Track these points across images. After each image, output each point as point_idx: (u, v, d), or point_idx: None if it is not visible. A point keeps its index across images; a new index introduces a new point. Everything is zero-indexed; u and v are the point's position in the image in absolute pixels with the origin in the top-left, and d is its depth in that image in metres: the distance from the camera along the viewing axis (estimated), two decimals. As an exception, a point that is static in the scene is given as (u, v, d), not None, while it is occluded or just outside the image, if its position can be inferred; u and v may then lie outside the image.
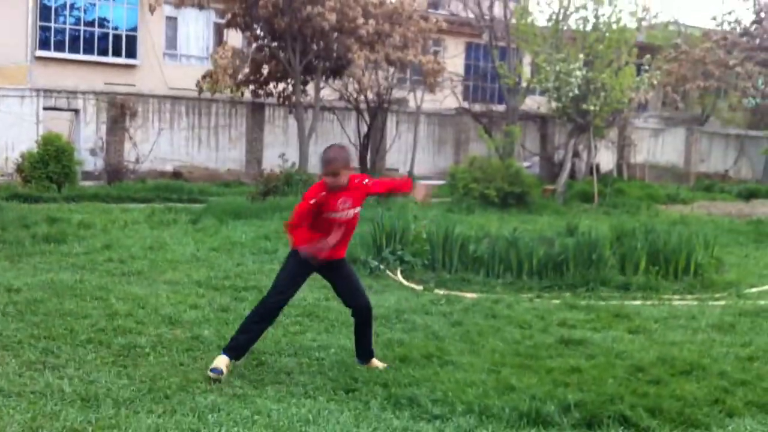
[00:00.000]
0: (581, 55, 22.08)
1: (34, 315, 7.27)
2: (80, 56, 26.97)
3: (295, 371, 6.13)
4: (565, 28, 23.64)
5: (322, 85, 24.19)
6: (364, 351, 6.27)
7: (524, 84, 25.88)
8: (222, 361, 5.75)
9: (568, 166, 24.09)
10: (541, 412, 5.25)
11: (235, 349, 5.89)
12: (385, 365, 6.21)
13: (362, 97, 25.68)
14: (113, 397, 5.22)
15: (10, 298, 7.83)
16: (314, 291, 8.85)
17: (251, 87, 24.24)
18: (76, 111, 23.15)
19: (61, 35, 27.00)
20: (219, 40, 27.39)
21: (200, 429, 4.54)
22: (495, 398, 5.55)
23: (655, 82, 24.02)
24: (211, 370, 5.67)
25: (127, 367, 5.98)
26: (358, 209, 6.08)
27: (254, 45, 23.56)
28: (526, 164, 25.53)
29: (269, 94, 24.56)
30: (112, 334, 6.80)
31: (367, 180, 6.20)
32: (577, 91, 22.09)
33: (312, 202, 5.86)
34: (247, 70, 23.49)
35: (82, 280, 8.99)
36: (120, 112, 23.26)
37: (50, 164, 17.53)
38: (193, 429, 4.54)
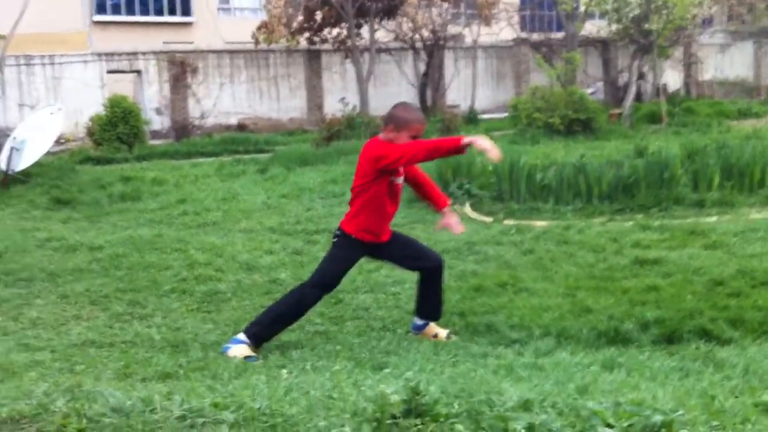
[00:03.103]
0: (640, -27, 21.38)
1: (118, 270, 7.53)
2: (137, 17, 27.32)
3: (372, 306, 6.26)
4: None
5: (376, 26, 23.98)
6: (432, 307, 5.48)
7: (582, 8, 25.21)
8: (242, 350, 5.05)
9: (633, 88, 23.52)
10: (620, 331, 5.27)
11: (259, 338, 5.18)
12: (449, 331, 5.51)
13: (417, 36, 25.39)
14: (200, 341, 5.40)
15: (93, 256, 8.11)
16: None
17: (306, 35, 24.19)
18: (138, 72, 23.46)
19: (116, -2, 27.35)
20: (271, -10, 27.34)
21: (286, 365, 4.66)
22: (572, 320, 5.58)
23: (719, -5, 23.19)
24: (224, 350, 5.10)
25: (210, 313, 6.20)
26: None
27: (306, -9, 23.46)
28: (589, 90, 25.02)
29: (324, 41, 24.48)
30: (193, 282, 7.03)
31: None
32: (637, 11, 21.47)
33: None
34: (300, 17, 23.43)
35: (161, 234, 9.26)
36: (181, 70, 23.49)
37: (119, 126, 17.86)
38: (279, 366, 4.66)
